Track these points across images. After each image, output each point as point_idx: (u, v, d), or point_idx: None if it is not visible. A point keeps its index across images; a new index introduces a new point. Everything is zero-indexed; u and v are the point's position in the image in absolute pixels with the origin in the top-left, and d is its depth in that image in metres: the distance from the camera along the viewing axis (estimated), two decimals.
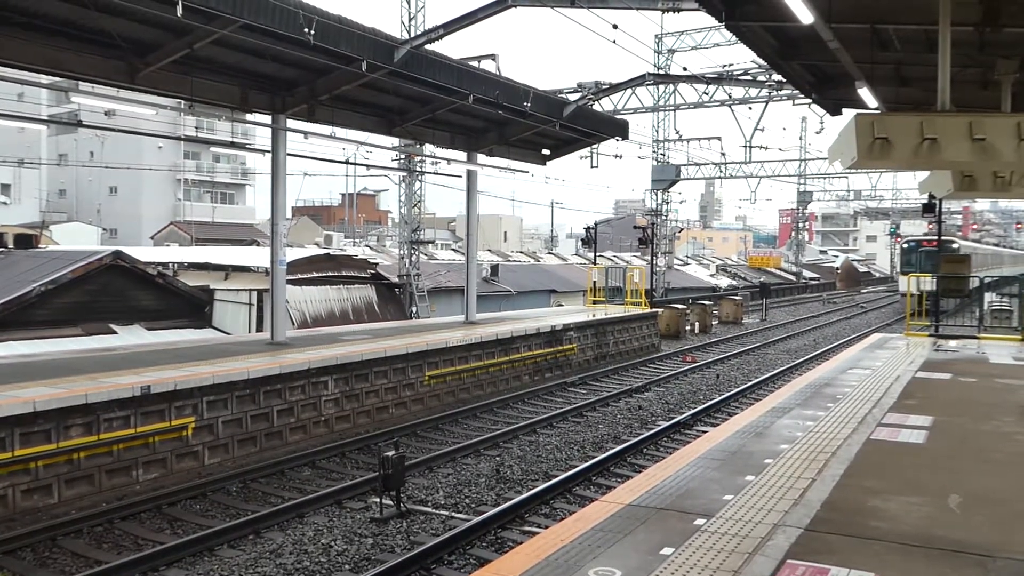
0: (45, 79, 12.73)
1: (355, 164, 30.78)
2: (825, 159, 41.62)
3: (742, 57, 48.91)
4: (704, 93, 32.65)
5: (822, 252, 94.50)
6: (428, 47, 14.14)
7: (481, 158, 19.99)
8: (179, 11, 9.70)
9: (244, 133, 51.09)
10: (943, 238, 34.27)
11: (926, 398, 9.84)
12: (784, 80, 18.26)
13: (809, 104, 24.90)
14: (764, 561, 4.63)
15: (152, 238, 52.25)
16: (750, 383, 18.12)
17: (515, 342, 17.72)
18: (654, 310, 26.12)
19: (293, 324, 21.21)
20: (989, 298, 26.50)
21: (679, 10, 16.47)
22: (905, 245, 39.78)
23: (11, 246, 24.01)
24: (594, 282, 27.63)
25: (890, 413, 8.84)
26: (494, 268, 35.10)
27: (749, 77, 27.96)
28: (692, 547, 4.84)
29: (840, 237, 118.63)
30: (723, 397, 16.33)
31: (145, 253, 26.29)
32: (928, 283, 25.58)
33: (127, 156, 49.95)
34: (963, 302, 25.53)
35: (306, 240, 46.26)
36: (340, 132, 16.46)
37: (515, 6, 14.12)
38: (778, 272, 66.66)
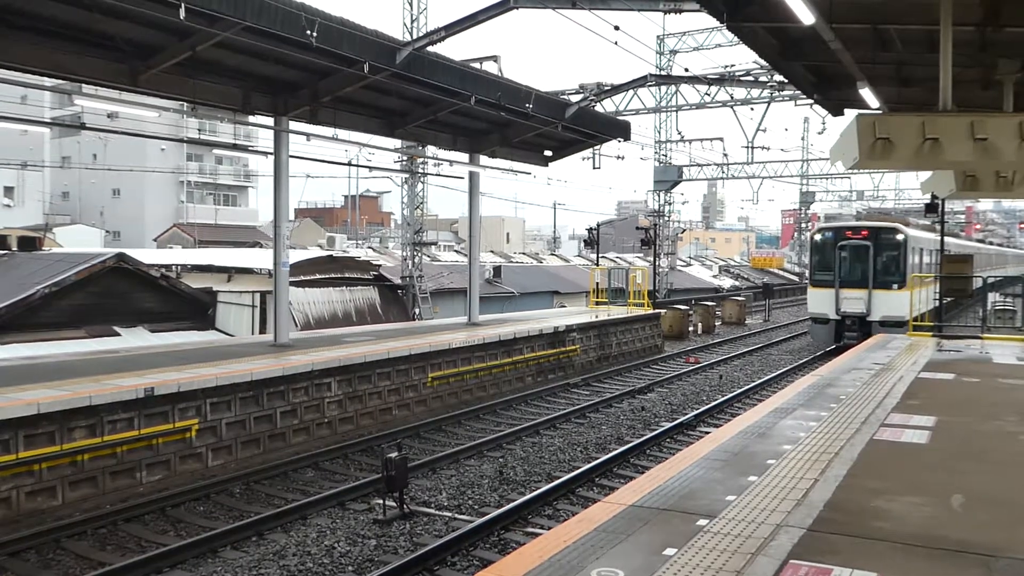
0: (48, 82, 12.78)
1: (357, 166, 30.82)
2: (827, 159, 41.53)
3: (744, 58, 48.94)
4: (706, 94, 32.65)
5: None
6: (430, 49, 14.15)
7: (483, 159, 20.00)
8: (182, 14, 9.73)
9: (247, 135, 51.11)
10: (881, 225, 23.63)
11: (929, 398, 9.83)
12: (786, 81, 18.27)
13: (811, 105, 24.93)
14: (767, 562, 4.63)
15: (155, 240, 52.34)
16: (753, 384, 18.11)
17: (518, 343, 17.71)
18: (657, 311, 26.11)
19: (296, 326, 21.23)
20: (993, 298, 25.74)
21: (681, 11, 16.46)
22: (818, 237, 23.82)
23: (15, 248, 24.04)
24: (597, 283, 27.64)
25: (893, 413, 8.83)
26: (497, 269, 35.12)
27: (751, 78, 27.97)
28: (695, 548, 4.84)
29: None
30: (726, 398, 16.33)
31: (148, 255, 26.34)
32: (860, 302, 20.78)
33: (130, 158, 50.07)
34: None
35: (309, 242, 46.32)
36: (342, 134, 16.48)
37: (517, 8, 14.12)
38: (781, 273, 66.60)
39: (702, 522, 5.28)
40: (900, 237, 22.29)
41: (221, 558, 8.08)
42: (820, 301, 22.93)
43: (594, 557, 4.68)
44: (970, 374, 11.86)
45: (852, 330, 21.79)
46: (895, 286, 21.65)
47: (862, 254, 22.37)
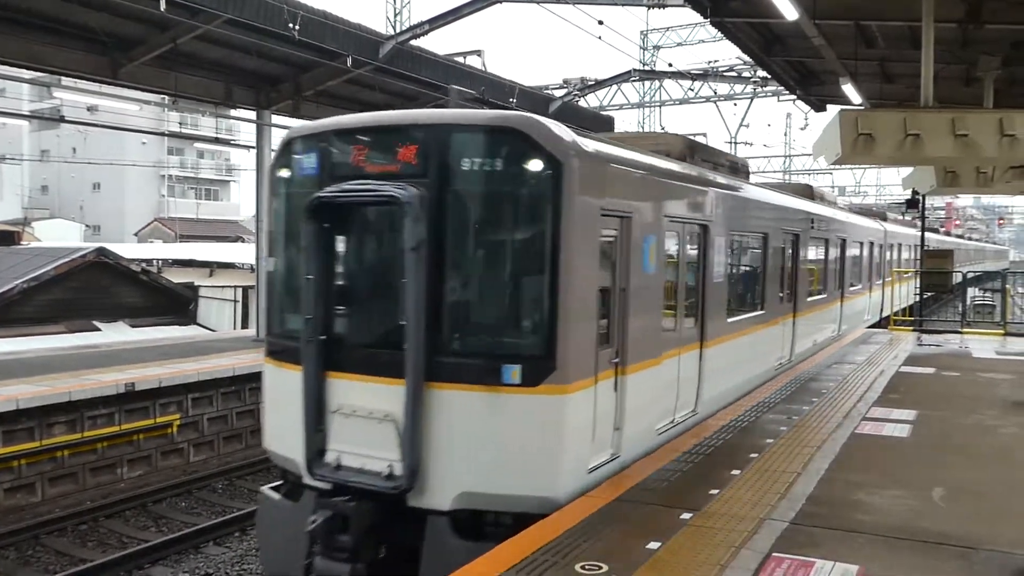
0: (27, 74, 12.61)
1: None
2: (810, 155, 41.79)
3: (727, 54, 49.10)
4: (689, 89, 32.66)
5: None
6: (414, 43, 14.10)
7: None
8: (162, 5, 9.65)
9: (228, 129, 50.70)
10: (457, 119, 6.07)
11: (910, 392, 9.90)
12: (769, 76, 18.32)
13: (794, 100, 25.00)
14: (750, 554, 4.65)
15: (136, 235, 51.90)
16: None
17: None
18: None
19: None
20: (972, 293, 25.80)
21: (664, 6, 16.51)
22: (283, 173, 6.38)
23: None
24: None
25: (874, 407, 8.89)
26: None
27: (734, 73, 28.02)
28: (678, 541, 4.85)
29: None
30: None
31: (129, 250, 26.12)
32: (381, 435, 5.27)
33: (110, 152, 49.53)
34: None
35: None
36: None
37: (501, 1, 14.10)
38: None
39: (685, 516, 5.29)
40: (538, 168, 5.56)
41: (203, 554, 8.03)
42: (280, 414, 6.64)
43: (578, 551, 4.68)
44: (950, 368, 11.95)
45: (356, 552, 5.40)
46: (512, 373, 5.28)
47: (378, 240, 6.41)
